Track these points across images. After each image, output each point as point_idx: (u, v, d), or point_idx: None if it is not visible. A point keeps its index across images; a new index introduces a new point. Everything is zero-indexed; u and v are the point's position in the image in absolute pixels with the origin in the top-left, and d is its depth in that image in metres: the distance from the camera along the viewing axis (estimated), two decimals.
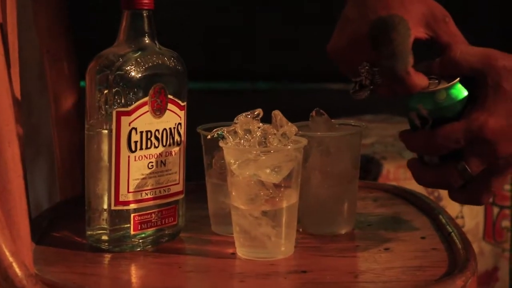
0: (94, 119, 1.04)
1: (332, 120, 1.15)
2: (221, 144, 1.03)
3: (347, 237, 1.11)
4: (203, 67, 2.89)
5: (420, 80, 1.00)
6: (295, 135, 1.04)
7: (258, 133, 1.03)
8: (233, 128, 1.03)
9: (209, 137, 1.05)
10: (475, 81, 1.00)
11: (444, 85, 1.01)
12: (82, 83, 1.17)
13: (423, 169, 1.04)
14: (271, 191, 1.01)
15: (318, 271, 0.98)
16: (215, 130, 1.04)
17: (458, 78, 1.01)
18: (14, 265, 0.86)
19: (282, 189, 1.02)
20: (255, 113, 1.04)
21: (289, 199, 1.02)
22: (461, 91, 1.00)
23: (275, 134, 1.03)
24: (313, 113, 1.14)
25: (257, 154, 1.01)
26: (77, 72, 1.25)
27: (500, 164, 0.99)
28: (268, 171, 1.01)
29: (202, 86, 2.96)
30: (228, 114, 1.10)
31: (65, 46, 1.24)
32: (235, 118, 1.04)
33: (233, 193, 1.03)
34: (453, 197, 1.04)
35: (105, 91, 1.02)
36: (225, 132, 1.03)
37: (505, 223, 2.01)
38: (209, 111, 1.56)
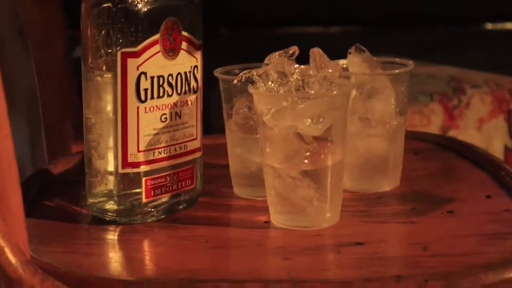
0: (93, 63, 0.84)
1: (374, 58, 0.97)
2: (250, 89, 0.84)
3: (396, 198, 0.93)
4: None
5: None
6: None
7: (295, 76, 0.84)
8: (265, 70, 0.85)
9: (236, 81, 0.86)
10: None
11: None
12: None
13: None
14: (312, 147, 0.83)
15: (376, 242, 0.80)
16: (242, 73, 0.85)
17: None
18: (6, 250, 0.67)
19: (325, 144, 0.83)
20: (290, 51, 0.86)
21: (334, 156, 0.84)
22: None
23: (315, 76, 0.84)
24: (352, 49, 0.96)
25: (295, 101, 0.82)
26: (62, 7, 1.05)
27: None
28: (308, 121, 0.83)
29: None
30: None
31: None
32: (266, 58, 0.86)
33: (267, 150, 0.84)
34: None
35: (105, 29, 0.82)
36: (255, 75, 0.84)
37: None
38: None
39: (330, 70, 0.84)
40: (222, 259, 0.78)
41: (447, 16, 4.49)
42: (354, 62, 0.96)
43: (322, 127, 0.83)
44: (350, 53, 0.96)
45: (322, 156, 0.83)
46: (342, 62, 0.96)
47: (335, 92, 0.83)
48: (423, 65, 1.92)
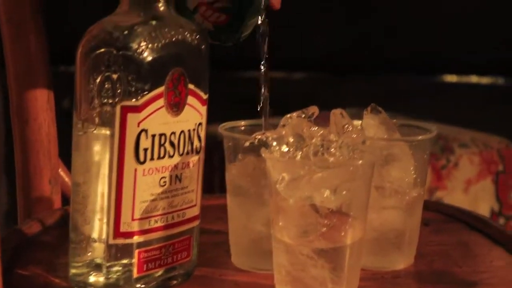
0: (86, 114, 0.74)
1: (393, 120, 0.88)
2: (264, 154, 0.74)
3: (414, 278, 0.84)
4: None
5: None
6: None
7: (314, 140, 0.74)
8: (281, 133, 0.75)
9: (247, 144, 0.76)
10: None
11: None
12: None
13: None
14: (329, 221, 0.73)
15: None
16: (256, 134, 0.75)
17: None
18: None
19: (345, 219, 0.74)
20: (309, 112, 0.76)
21: (354, 233, 0.75)
22: None
23: (336, 141, 0.75)
24: (368, 109, 0.87)
25: (313, 169, 0.73)
26: (47, 49, 0.94)
27: None
28: (326, 193, 0.73)
29: None
30: None
31: (31, 12, 0.92)
32: (283, 119, 0.76)
33: (279, 222, 0.74)
34: None
35: (103, 76, 0.72)
36: (270, 138, 0.75)
37: None
38: None
39: (354, 135, 0.75)
40: None
41: (412, 65, 4.45)
42: (370, 124, 0.87)
43: (342, 199, 0.74)
44: (366, 113, 0.87)
45: (341, 233, 0.74)
46: (356, 123, 0.87)
47: (360, 162, 0.74)
48: (407, 120, 1.84)
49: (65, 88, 0.77)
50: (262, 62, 0.86)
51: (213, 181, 1.55)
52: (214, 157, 1.16)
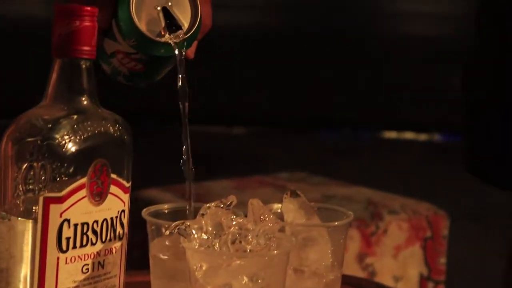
0: (9, 203, 0.76)
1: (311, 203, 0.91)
2: (183, 243, 0.77)
3: None
4: None
5: None
6: None
7: (232, 229, 0.77)
8: (200, 221, 0.78)
9: (167, 233, 0.79)
10: None
11: None
12: None
13: None
14: None
15: None
16: (176, 223, 0.78)
17: None
18: None
19: None
20: (228, 202, 0.79)
21: None
22: None
23: (253, 230, 0.78)
24: (287, 194, 0.90)
25: (231, 257, 0.76)
26: None
27: None
28: (244, 280, 0.76)
29: None
30: None
31: None
32: (202, 208, 0.79)
33: None
34: None
35: (27, 165, 0.75)
36: (189, 227, 0.78)
37: None
38: None
39: (270, 225, 0.78)
40: None
41: (351, 121, 4.50)
42: (289, 208, 0.90)
43: (260, 286, 0.77)
44: (285, 198, 0.91)
45: None
46: (277, 206, 0.90)
47: (275, 252, 0.77)
48: (339, 186, 1.89)
49: None
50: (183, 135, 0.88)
51: (146, 251, 1.56)
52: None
